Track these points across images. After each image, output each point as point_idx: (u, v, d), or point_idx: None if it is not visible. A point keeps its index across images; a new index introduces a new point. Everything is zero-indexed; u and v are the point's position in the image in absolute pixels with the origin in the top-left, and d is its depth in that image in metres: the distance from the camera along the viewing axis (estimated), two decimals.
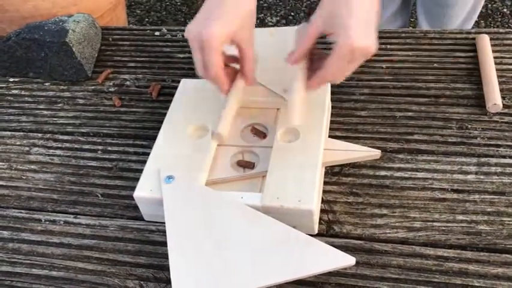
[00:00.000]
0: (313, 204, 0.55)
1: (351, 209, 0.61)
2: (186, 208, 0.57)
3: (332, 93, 0.73)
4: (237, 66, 0.64)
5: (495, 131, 0.68)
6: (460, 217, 0.59)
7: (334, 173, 0.65)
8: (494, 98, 0.69)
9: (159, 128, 0.66)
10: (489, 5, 2.08)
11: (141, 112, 0.78)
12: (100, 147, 0.73)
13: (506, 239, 0.57)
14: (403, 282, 0.54)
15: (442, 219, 0.59)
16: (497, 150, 0.66)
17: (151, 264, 0.59)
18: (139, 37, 0.92)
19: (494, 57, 0.76)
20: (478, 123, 0.69)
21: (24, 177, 0.70)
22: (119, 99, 0.80)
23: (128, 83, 0.83)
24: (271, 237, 0.54)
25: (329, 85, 0.68)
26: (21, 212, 0.66)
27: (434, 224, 0.59)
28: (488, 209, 0.60)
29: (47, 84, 0.85)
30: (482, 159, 0.65)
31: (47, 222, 0.64)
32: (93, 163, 0.71)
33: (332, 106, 0.72)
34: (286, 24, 2.06)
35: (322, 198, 0.62)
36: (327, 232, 0.60)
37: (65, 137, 0.75)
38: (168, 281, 0.57)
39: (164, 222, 0.56)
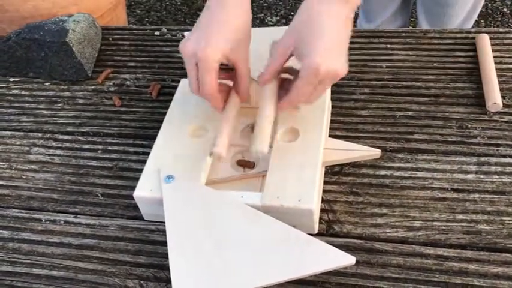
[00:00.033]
0: (313, 203, 0.55)
1: (351, 209, 0.61)
2: (186, 208, 0.57)
3: (332, 92, 0.73)
4: (230, 83, 0.64)
5: (495, 131, 0.68)
6: (460, 216, 0.59)
7: (334, 172, 0.65)
8: (494, 97, 0.69)
9: (159, 128, 0.66)
10: (489, 5, 2.08)
11: (141, 112, 0.78)
12: (100, 147, 0.73)
13: (506, 238, 0.57)
14: (403, 282, 0.54)
15: (442, 219, 0.59)
16: (497, 150, 0.66)
17: (151, 264, 0.59)
18: (139, 37, 0.92)
19: (494, 57, 0.76)
20: (478, 123, 0.69)
21: (24, 177, 0.70)
22: (119, 99, 0.80)
23: (128, 82, 0.83)
24: (271, 236, 0.54)
25: None
26: (21, 212, 0.66)
27: (435, 223, 0.59)
28: (488, 209, 0.60)
29: (47, 84, 0.85)
30: (482, 159, 0.65)
31: (47, 222, 0.64)
32: (93, 163, 0.71)
33: (332, 105, 0.72)
34: (286, 24, 2.06)
35: (322, 198, 0.62)
36: (327, 231, 0.60)
37: (65, 137, 0.75)
38: (168, 281, 0.57)
39: (164, 222, 0.56)
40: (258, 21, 2.12)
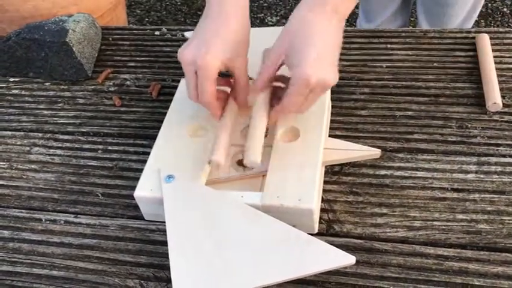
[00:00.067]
0: (313, 203, 0.55)
1: (351, 208, 0.61)
2: (187, 207, 0.57)
3: (332, 92, 0.73)
4: (228, 89, 0.64)
5: (495, 130, 0.68)
6: (460, 216, 0.59)
7: (334, 172, 0.65)
8: (494, 97, 0.70)
9: (159, 128, 0.66)
10: (489, 5, 2.08)
11: (141, 112, 0.78)
12: (100, 147, 0.73)
13: (506, 238, 0.57)
14: (403, 281, 0.54)
15: (442, 218, 0.59)
16: (497, 149, 0.66)
17: (151, 264, 0.59)
18: (140, 37, 0.92)
19: (494, 57, 0.76)
20: (478, 123, 0.69)
21: (24, 177, 0.70)
22: (119, 99, 0.80)
23: (128, 82, 0.83)
24: (271, 236, 0.54)
25: None
26: (21, 212, 0.66)
27: (434, 223, 0.59)
28: (488, 208, 0.60)
29: (47, 84, 0.85)
30: (482, 158, 0.65)
31: (48, 222, 0.64)
32: (94, 163, 0.71)
33: (332, 105, 0.72)
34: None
35: (322, 198, 0.63)
36: (327, 231, 0.60)
37: (66, 137, 0.75)
38: (168, 280, 0.57)
39: (164, 222, 0.56)
40: (258, 21, 2.12)
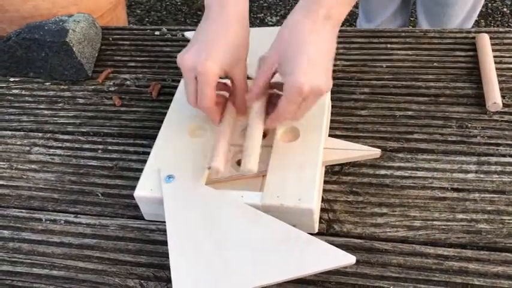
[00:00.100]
0: (313, 203, 0.55)
1: (351, 208, 0.61)
2: (187, 207, 0.57)
3: (332, 92, 0.73)
4: (226, 94, 0.64)
5: (495, 130, 0.68)
6: (460, 216, 0.59)
7: (334, 172, 0.65)
8: (494, 97, 0.70)
9: (159, 128, 0.66)
10: (489, 4, 2.08)
11: (142, 112, 0.78)
12: (100, 147, 0.73)
13: (506, 237, 0.57)
14: (403, 281, 0.54)
15: (442, 218, 0.59)
16: (497, 149, 0.66)
17: (151, 264, 0.59)
18: (140, 37, 0.92)
19: (494, 57, 0.76)
20: (478, 122, 0.69)
21: (24, 177, 0.70)
22: (119, 99, 0.80)
23: (128, 82, 0.83)
24: (271, 236, 0.54)
25: None
26: (21, 212, 0.66)
27: (435, 222, 0.59)
28: (488, 208, 0.60)
29: (47, 84, 0.85)
30: (482, 158, 0.65)
31: (48, 222, 0.64)
32: (94, 162, 0.71)
33: (332, 105, 0.72)
34: None
35: (323, 197, 0.63)
36: (327, 231, 0.60)
37: (66, 137, 0.75)
38: (168, 280, 0.57)
39: (164, 222, 0.56)
40: (258, 21, 2.12)
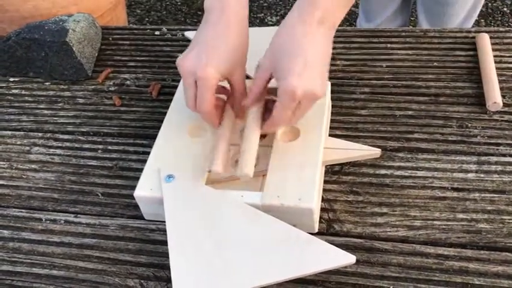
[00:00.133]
0: (314, 202, 0.55)
1: (351, 208, 0.61)
2: (187, 207, 0.57)
3: (332, 92, 0.73)
4: (225, 97, 0.64)
5: (495, 130, 0.68)
6: (460, 215, 0.59)
7: (334, 171, 0.65)
8: (494, 97, 0.70)
9: (159, 127, 0.66)
10: (489, 4, 2.08)
11: (141, 111, 0.78)
12: (100, 147, 0.73)
13: (507, 237, 0.57)
14: (403, 281, 0.54)
15: (442, 218, 0.59)
16: (497, 149, 0.66)
17: (151, 263, 0.59)
18: (140, 37, 0.92)
19: (494, 56, 0.76)
20: (478, 122, 0.69)
21: (24, 177, 0.70)
22: (119, 99, 0.80)
23: (128, 82, 0.83)
24: (271, 235, 0.54)
25: (329, 84, 0.68)
26: (21, 212, 0.66)
27: (435, 222, 0.59)
28: (489, 208, 0.60)
29: (47, 83, 0.85)
30: (483, 158, 0.65)
31: (48, 222, 0.64)
32: (94, 162, 0.71)
33: (332, 105, 0.72)
34: None
35: (323, 197, 0.63)
36: (327, 231, 0.60)
37: (65, 137, 0.75)
38: (168, 280, 0.57)
39: (164, 221, 0.56)
40: (258, 21, 2.12)
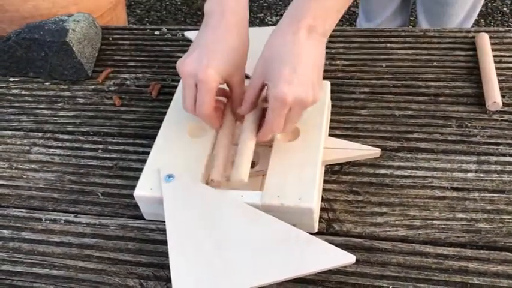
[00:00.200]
0: (313, 202, 0.55)
1: (351, 208, 0.61)
2: (186, 207, 0.57)
3: (332, 91, 0.73)
4: (224, 99, 0.65)
5: (495, 129, 0.68)
6: (460, 215, 0.59)
7: (334, 171, 0.65)
8: (494, 96, 0.70)
9: (159, 127, 0.66)
10: (489, 4, 2.08)
11: (141, 111, 0.78)
12: (100, 147, 0.73)
13: (506, 237, 0.57)
14: (403, 280, 0.54)
15: (441, 218, 0.59)
16: (497, 149, 0.66)
17: (151, 263, 0.59)
18: (139, 36, 0.92)
19: (494, 56, 0.76)
20: (477, 122, 0.69)
21: (24, 177, 0.70)
22: (119, 99, 0.80)
23: (128, 82, 0.83)
24: (271, 235, 0.54)
25: (328, 84, 0.68)
26: (21, 211, 0.66)
27: (434, 222, 0.59)
28: (488, 207, 0.60)
29: (47, 83, 0.85)
30: (482, 158, 0.65)
31: (48, 221, 0.64)
32: (94, 162, 0.71)
33: (332, 105, 0.72)
34: None
35: (322, 197, 0.63)
36: (327, 230, 0.60)
37: (65, 136, 0.75)
38: (168, 280, 0.57)
39: (164, 221, 0.56)
40: (258, 21, 2.13)
